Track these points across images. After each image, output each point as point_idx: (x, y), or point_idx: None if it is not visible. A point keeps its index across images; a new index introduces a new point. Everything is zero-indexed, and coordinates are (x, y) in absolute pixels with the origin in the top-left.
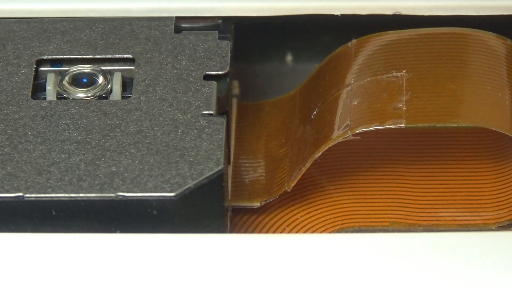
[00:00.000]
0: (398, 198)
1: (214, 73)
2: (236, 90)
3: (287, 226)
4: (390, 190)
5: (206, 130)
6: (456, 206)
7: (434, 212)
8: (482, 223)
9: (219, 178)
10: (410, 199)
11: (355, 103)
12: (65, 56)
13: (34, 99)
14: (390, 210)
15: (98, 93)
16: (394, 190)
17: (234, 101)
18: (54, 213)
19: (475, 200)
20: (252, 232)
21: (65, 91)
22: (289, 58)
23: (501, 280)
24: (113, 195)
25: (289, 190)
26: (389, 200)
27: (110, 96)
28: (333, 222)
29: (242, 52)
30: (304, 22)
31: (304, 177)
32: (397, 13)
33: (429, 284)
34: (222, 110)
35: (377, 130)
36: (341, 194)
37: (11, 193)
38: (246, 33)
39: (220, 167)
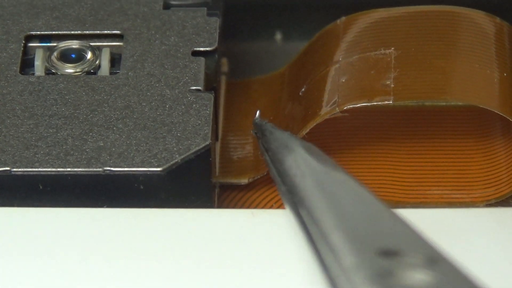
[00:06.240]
0: (386, 176)
1: (202, 49)
2: (225, 68)
3: (275, 203)
4: (378, 168)
5: (194, 105)
6: (444, 184)
7: (422, 190)
8: (470, 201)
9: (206, 153)
10: (398, 177)
11: (343, 80)
12: (53, 32)
13: (22, 74)
14: (378, 187)
15: (86, 69)
16: (382, 168)
17: (223, 79)
18: (41, 187)
19: (463, 178)
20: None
21: (53, 66)
22: (278, 36)
23: (489, 255)
24: (100, 169)
25: None
26: (377, 178)
27: (99, 71)
28: None
29: (232, 30)
30: (293, 0)
31: None
32: None
33: None
34: (210, 86)
35: (365, 107)
36: None
37: None
38: (235, 10)
39: (207, 143)
